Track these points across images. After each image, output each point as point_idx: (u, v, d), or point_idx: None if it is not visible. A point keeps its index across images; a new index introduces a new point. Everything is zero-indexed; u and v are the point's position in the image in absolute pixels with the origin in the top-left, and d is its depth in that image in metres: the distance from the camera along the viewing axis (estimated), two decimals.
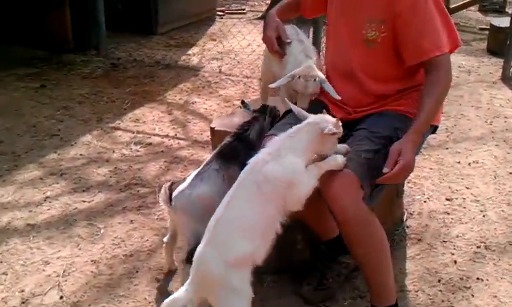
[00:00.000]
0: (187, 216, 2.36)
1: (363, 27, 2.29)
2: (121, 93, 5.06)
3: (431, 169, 3.69)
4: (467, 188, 3.44)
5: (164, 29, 6.96)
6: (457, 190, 3.41)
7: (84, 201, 3.31)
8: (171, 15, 7.01)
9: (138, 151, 3.96)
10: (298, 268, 2.62)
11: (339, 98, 2.34)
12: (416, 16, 2.18)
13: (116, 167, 3.71)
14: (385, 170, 2.04)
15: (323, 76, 2.38)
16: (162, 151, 3.97)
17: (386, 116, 2.31)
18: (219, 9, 8.76)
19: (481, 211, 3.19)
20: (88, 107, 4.74)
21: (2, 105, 4.71)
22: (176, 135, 4.21)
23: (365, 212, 2.10)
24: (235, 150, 2.43)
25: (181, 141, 4.12)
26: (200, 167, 2.46)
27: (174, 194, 2.36)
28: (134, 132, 4.25)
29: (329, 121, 2.02)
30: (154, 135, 4.23)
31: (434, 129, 2.48)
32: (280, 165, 1.97)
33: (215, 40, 6.80)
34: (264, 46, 2.72)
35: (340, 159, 2.07)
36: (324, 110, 2.17)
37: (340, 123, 2.05)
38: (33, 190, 3.43)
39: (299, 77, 2.35)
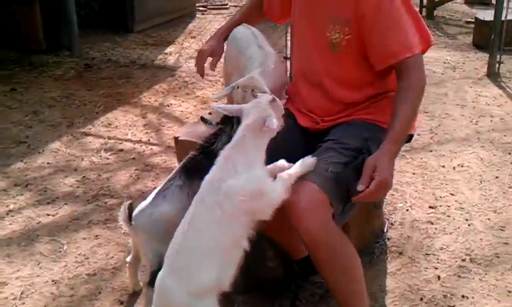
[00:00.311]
0: (148, 236, 2.20)
1: (326, 29, 2.12)
2: (94, 95, 4.86)
3: (414, 174, 3.53)
4: (452, 194, 3.29)
5: (141, 27, 6.73)
6: (441, 197, 3.25)
7: (49, 215, 3.13)
8: (148, 12, 6.77)
9: (108, 158, 3.77)
10: (270, 287, 2.45)
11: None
12: (381, 16, 2.01)
13: (84, 177, 3.52)
14: (360, 187, 1.87)
15: (265, 88, 2.19)
16: (133, 158, 3.78)
17: (354, 125, 2.15)
18: (200, 4, 8.55)
19: (466, 220, 3.04)
20: (59, 111, 4.54)
21: None
22: (149, 140, 4.03)
23: (335, 235, 1.94)
24: (200, 165, 2.23)
25: (154, 147, 3.93)
26: (162, 184, 2.29)
27: (134, 213, 2.20)
28: (105, 138, 4.06)
29: (267, 106, 1.88)
30: (126, 140, 4.04)
31: (409, 138, 2.32)
32: (238, 181, 1.82)
33: (194, 38, 6.59)
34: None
35: (308, 160, 1.94)
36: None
37: (278, 101, 1.93)
38: None
39: (238, 87, 2.22)
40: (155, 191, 2.28)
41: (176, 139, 2.69)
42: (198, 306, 1.80)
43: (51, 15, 5.70)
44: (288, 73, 3.74)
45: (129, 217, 2.18)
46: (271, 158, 1.98)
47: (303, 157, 2.02)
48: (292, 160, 2.02)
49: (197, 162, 2.26)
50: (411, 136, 2.35)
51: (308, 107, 2.31)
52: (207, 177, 1.89)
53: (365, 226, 2.70)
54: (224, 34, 2.62)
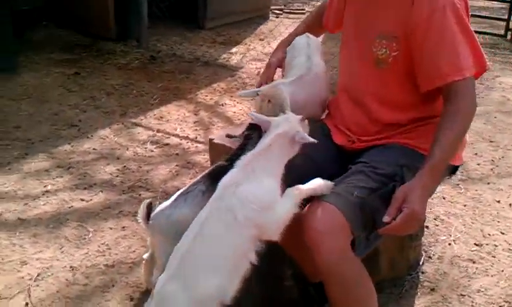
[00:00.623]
0: (164, 238, 2.13)
1: (373, 44, 1.97)
2: (152, 87, 4.89)
3: (465, 206, 3.28)
4: (502, 233, 3.02)
5: (212, 25, 6.75)
6: (489, 235, 3.00)
7: (83, 200, 3.14)
8: (221, 10, 6.79)
9: (152, 151, 3.76)
10: None
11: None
12: (432, 33, 1.84)
13: (125, 166, 3.52)
14: (385, 219, 1.71)
15: (285, 101, 2.08)
16: (177, 153, 3.75)
17: (392, 149, 1.98)
18: (276, 7, 8.48)
19: None
20: (115, 99, 4.59)
21: (31, 89, 4.63)
22: (196, 137, 3.99)
23: (352, 265, 1.79)
24: (226, 173, 2.16)
25: (199, 145, 3.88)
26: (187, 186, 2.22)
27: (154, 212, 2.14)
28: (154, 130, 4.06)
29: (296, 123, 1.85)
30: (174, 135, 4.01)
31: (453, 170, 2.12)
32: (254, 187, 1.74)
33: (262, 40, 6.53)
34: None
35: (326, 183, 1.82)
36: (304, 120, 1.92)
37: (306, 121, 1.88)
38: (35, 182, 3.29)
39: (257, 94, 2.15)
40: (178, 192, 2.22)
41: (210, 141, 2.61)
42: None
43: (123, 5, 5.79)
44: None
45: (148, 216, 2.13)
46: (300, 176, 1.88)
47: (334, 177, 1.90)
48: (325, 179, 1.90)
49: (223, 170, 2.18)
50: (456, 168, 2.15)
51: (346, 124, 2.17)
52: (224, 180, 1.82)
53: (396, 255, 2.51)
54: (288, 44, 2.54)
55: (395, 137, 2.03)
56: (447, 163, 1.86)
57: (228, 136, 2.36)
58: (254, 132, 2.22)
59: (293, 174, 1.86)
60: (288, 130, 1.82)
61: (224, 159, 2.24)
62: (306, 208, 1.83)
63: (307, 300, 2.25)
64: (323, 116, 2.39)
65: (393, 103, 2.02)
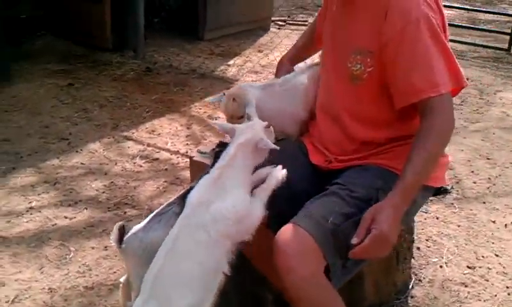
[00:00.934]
0: (137, 261, 2.06)
1: (348, 59, 1.90)
2: (146, 99, 4.83)
3: (459, 226, 3.19)
4: (496, 255, 2.93)
5: (212, 36, 6.68)
6: (483, 257, 2.91)
7: (66, 217, 3.07)
8: (220, 21, 6.71)
9: (141, 166, 3.69)
10: None
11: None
12: (405, 47, 1.76)
13: (112, 182, 3.45)
14: (354, 240, 1.65)
15: (247, 99, 2.09)
16: (166, 169, 3.68)
17: (368, 171, 1.91)
18: (279, 18, 8.41)
19: (507, 287, 2.68)
20: (108, 111, 4.53)
21: (24, 101, 4.59)
22: (187, 152, 3.91)
23: (325, 295, 1.71)
24: None
25: (188, 160, 3.80)
26: (161, 207, 2.16)
27: (127, 235, 2.08)
28: (144, 144, 3.99)
29: (260, 130, 1.82)
30: (164, 149, 3.95)
31: (436, 191, 2.04)
32: (227, 202, 1.72)
33: (261, 52, 6.45)
34: None
35: (279, 172, 1.85)
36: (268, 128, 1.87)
37: (271, 128, 1.86)
38: (20, 198, 3.24)
39: (224, 94, 2.18)
40: (152, 214, 2.15)
41: (191, 159, 2.54)
42: None
43: (120, 15, 5.75)
44: None
45: (120, 239, 2.06)
46: (279, 198, 1.84)
47: (310, 198, 1.86)
48: (301, 202, 1.86)
49: None
50: (438, 189, 2.07)
51: (324, 142, 2.10)
52: (193, 197, 1.79)
53: (381, 278, 2.43)
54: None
55: (372, 157, 1.96)
56: (421, 183, 1.78)
57: (199, 152, 2.31)
58: (224, 149, 2.16)
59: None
60: (250, 137, 1.80)
61: (198, 179, 2.18)
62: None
63: None
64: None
65: (368, 119, 1.96)
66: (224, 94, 2.21)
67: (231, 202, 1.72)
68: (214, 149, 2.11)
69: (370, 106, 1.94)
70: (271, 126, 1.87)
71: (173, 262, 1.70)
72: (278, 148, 1.80)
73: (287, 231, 1.74)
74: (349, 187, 1.85)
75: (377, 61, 1.85)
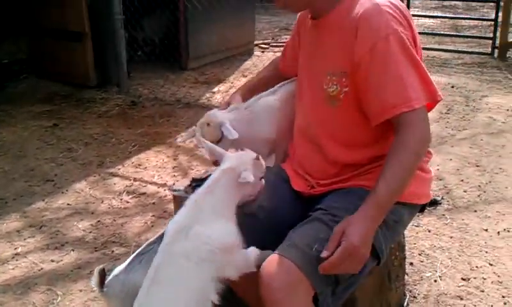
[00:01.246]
0: (120, 304, 2.03)
1: (323, 81, 1.88)
2: (132, 134, 4.80)
3: (451, 237, 3.15)
4: (490, 264, 2.88)
5: (196, 64, 6.70)
6: (477, 267, 2.86)
7: (53, 261, 3.02)
8: (203, 49, 6.75)
9: (128, 202, 3.65)
10: None
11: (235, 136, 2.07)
12: (376, 63, 1.73)
13: (99, 221, 3.41)
14: (324, 254, 1.61)
15: (220, 120, 2.09)
16: (153, 203, 3.64)
17: (351, 194, 1.86)
18: (262, 42, 8.46)
19: (503, 297, 2.63)
20: (93, 149, 4.50)
21: (8, 145, 4.57)
22: (174, 184, 3.87)
23: None
24: None
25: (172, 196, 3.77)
26: (142, 247, 2.13)
27: (108, 278, 2.04)
28: (130, 180, 3.96)
29: (248, 161, 1.76)
30: (151, 183, 3.91)
31: (422, 207, 2.01)
32: (207, 228, 1.67)
33: (246, 77, 6.46)
34: None
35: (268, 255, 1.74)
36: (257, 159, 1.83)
37: (262, 162, 1.80)
38: (6, 244, 3.18)
39: (194, 128, 2.15)
40: (133, 255, 2.12)
41: (174, 195, 2.50)
42: None
43: (102, 52, 5.76)
44: None
45: (102, 282, 2.02)
46: (262, 230, 1.83)
47: (293, 226, 1.81)
48: (284, 230, 1.81)
49: None
50: (424, 206, 2.04)
51: (304, 168, 2.06)
52: (172, 225, 1.73)
53: (375, 299, 2.37)
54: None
55: (354, 178, 1.92)
56: (395, 197, 1.72)
57: (172, 190, 2.28)
58: (202, 183, 2.13)
59: (248, 228, 1.77)
60: (235, 166, 1.75)
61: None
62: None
63: None
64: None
65: (348, 141, 1.92)
66: (194, 127, 2.16)
67: (215, 229, 1.67)
68: (189, 184, 2.07)
69: (349, 127, 1.90)
70: (261, 159, 1.82)
71: (157, 291, 1.65)
72: (262, 185, 1.79)
73: (271, 262, 1.68)
74: (332, 212, 1.80)
75: (351, 81, 1.82)
